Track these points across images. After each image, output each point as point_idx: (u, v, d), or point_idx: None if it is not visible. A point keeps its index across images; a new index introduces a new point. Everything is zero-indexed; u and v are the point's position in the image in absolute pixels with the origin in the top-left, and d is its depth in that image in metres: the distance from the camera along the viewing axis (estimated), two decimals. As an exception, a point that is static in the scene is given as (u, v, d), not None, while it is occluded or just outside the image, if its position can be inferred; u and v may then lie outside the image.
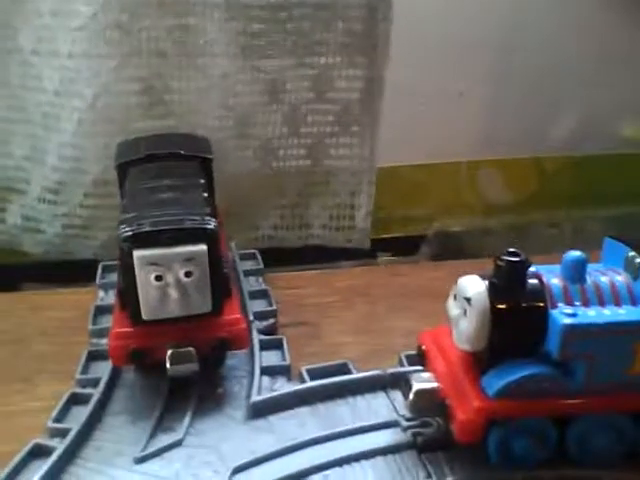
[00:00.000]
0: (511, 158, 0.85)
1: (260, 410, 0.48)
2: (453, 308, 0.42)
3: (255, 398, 0.48)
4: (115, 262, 0.50)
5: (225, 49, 0.65)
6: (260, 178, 0.71)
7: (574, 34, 0.80)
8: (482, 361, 0.41)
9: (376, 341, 0.58)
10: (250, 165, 0.71)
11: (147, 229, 0.45)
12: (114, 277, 0.60)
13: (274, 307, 0.59)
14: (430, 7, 0.75)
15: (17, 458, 0.43)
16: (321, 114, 0.70)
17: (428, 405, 0.43)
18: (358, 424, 0.46)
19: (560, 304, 0.40)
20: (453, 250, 0.81)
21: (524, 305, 0.40)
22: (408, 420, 0.46)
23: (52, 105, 0.66)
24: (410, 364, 0.50)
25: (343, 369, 0.51)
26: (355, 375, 0.50)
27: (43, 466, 0.42)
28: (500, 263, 0.40)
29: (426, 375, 0.44)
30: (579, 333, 0.39)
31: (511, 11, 0.79)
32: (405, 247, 0.82)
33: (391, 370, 0.50)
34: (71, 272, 0.69)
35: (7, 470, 0.42)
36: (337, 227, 0.75)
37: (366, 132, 0.71)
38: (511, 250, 0.40)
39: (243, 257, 0.67)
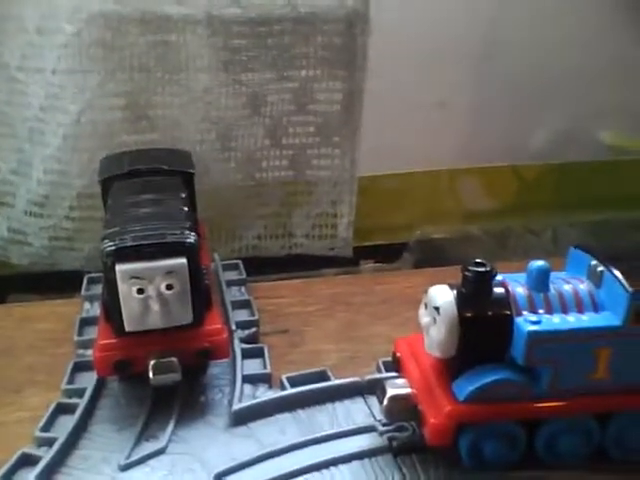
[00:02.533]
0: (491, 166, 0.86)
1: (242, 417, 0.49)
2: (424, 316, 0.43)
3: (237, 406, 0.49)
4: (100, 274, 0.51)
5: (207, 64, 0.66)
6: (243, 189, 0.73)
7: (554, 43, 0.81)
8: (452, 367, 0.43)
9: (356, 348, 0.59)
10: (233, 177, 0.72)
11: (129, 244, 0.47)
12: (99, 289, 0.61)
13: (256, 316, 0.60)
14: (410, 16, 0.76)
15: (5, 467, 0.44)
16: (302, 126, 0.72)
17: (402, 410, 0.44)
18: (337, 429, 0.48)
19: (525, 312, 0.42)
20: (434, 257, 0.82)
21: (490, 313, 0.41)
22: (384, 425, 0.47)
23: (38, 120, 0.67)
24: (387, 370, 0.51)
25: (322, 376, 0.52)
26: (334, 382, 0.51)
27: (30, 475, 0.43)
28: (467, 273, 0.41)
29: (400, 381, 0.45)
30: (543, 339, 0.40)
31: (491, 20, 0.80)
32: (387, 254, 0.83)
33: (368, 377, 0.51)
34: (58, 282, 0.70)
35: (-5, 479, 0.43)
36: (320, 236, 0.76)
37: (347, 143, 0.73)
38: (478, 261, 0.42)
39: (226, 267, 0.68)
